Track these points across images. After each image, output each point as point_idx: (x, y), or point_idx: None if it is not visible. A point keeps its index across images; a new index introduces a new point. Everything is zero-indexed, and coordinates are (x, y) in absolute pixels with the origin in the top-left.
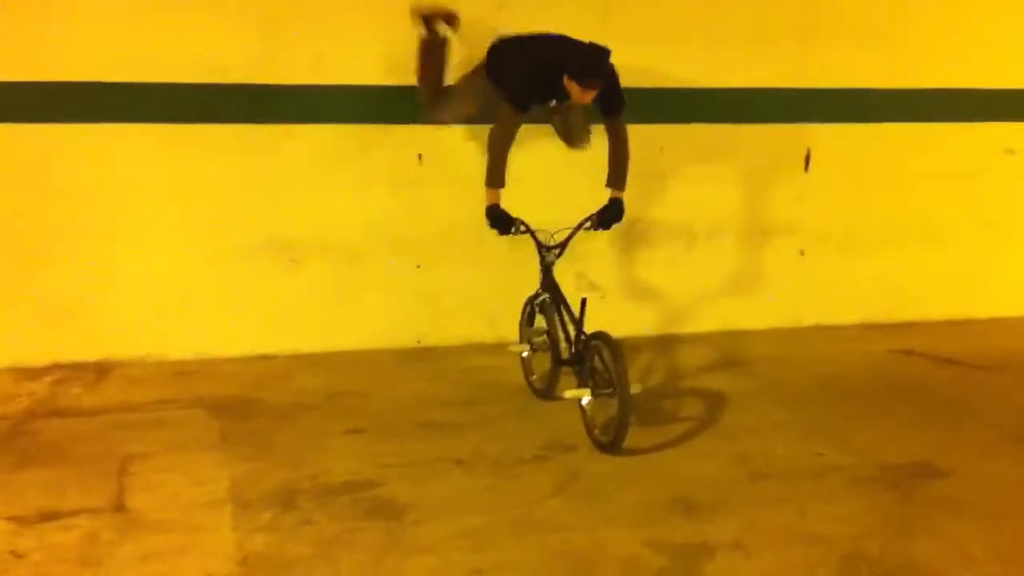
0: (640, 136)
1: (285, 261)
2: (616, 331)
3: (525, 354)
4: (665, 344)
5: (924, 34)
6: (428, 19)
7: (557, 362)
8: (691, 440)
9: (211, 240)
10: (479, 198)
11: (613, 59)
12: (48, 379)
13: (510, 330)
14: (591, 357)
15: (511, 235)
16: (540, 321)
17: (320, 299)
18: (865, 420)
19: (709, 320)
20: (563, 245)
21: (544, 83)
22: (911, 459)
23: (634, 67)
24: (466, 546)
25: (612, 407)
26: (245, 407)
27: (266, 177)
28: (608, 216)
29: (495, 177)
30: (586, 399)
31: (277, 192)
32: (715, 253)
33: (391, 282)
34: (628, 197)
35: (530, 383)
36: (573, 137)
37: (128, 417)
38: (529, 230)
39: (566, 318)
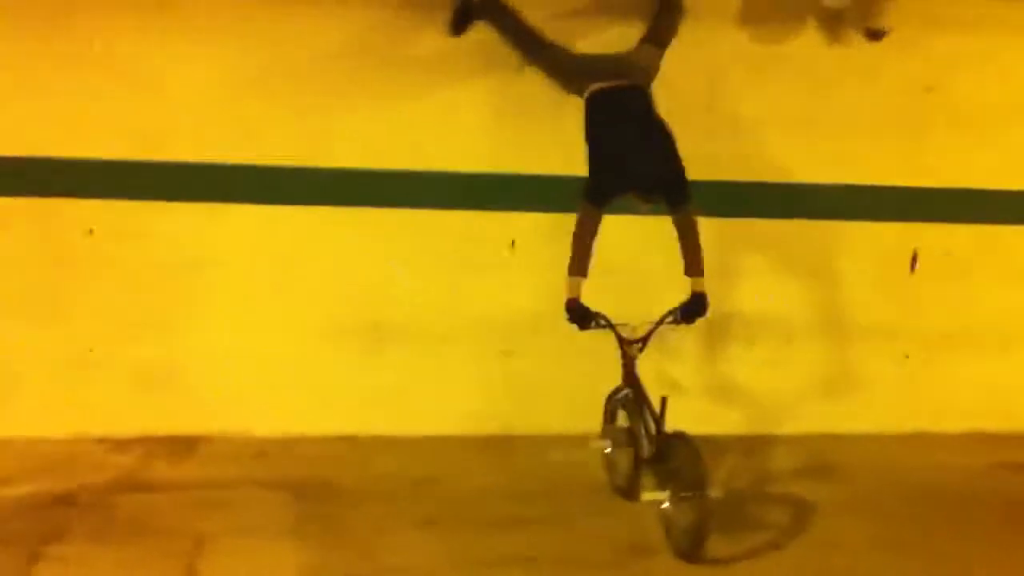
0: (740, 231)
1: (372, 343)
2: (701, 429)
3: (607, 450)
4: (753, 446)
5: None
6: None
7: (638, 461)
8: (776, 551)
9: (301, 320)
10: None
11: (713, 149)
12: (137, 451)
13: (593, 422)
14: (672, 457)
15: (591, 330)
16: (622, 418)
17: (405, 382)
18: (960, 538)
19: (803, 423)
20: (645, 340)
21: (616, 181)
22: None
23: (737, 158)
24: None
25: (694, 511)
26: (322, 491)
27: (357, 259)
28: (691, 310)
29: (577, 266)
30: (666, 502)
31: (367, 274)
32: (813, 353)
33: (476, 368)
34: (723, 292)
35: (612, 481)
36: None
37: (207, 495)
38: (610, 324)
39: (647, 415)
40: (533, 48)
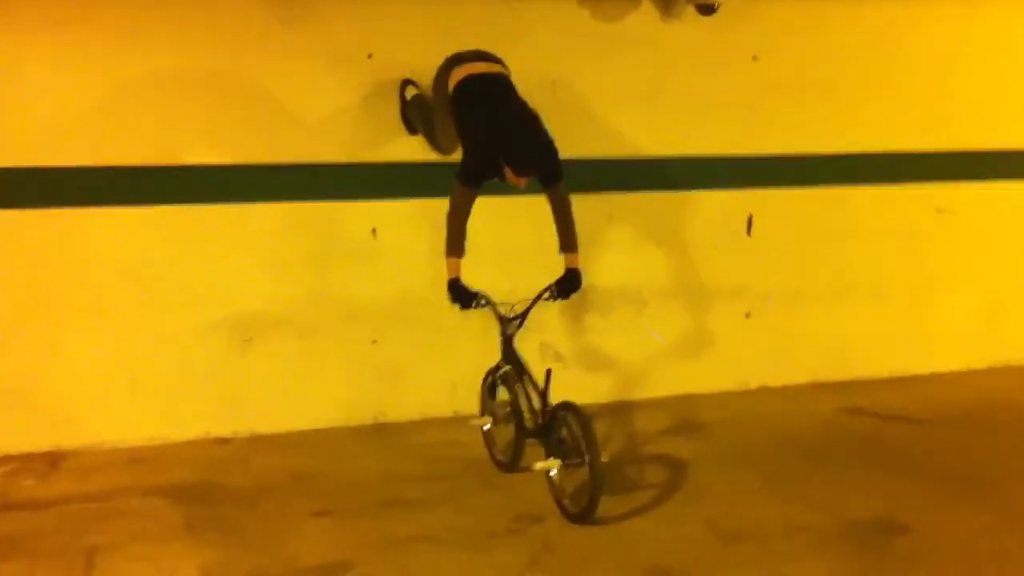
0: (589, 205)
1: (238, 341)
2: (572, 399)
3: (487, 427)
4: (620, 411)
5: (857, 98)
6: (405, 84)
7: (522, 434)
8: (658, 506)
9: (160, 321)
10: (434, 271)
11: (558, 128)
12: (1, 470)
13: (469, 403)
14: (558, 428)
15: (471, 308)
16: (503, 393)
17: (275, 378)
18: (824, 478)
19: (661, 385)
20: (523, 316)
21: (489, 162)
22: (874, 515)
23: (581, 136)
24: None
25: (579, 476)
26: (206, 493)
27: (216, 256)
28: (566, 286)
29: (454, 246)
30: (555, 470)
31: (227, 271)
32: (664, 318)
33: (347, 358)
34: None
35: (493, 456)
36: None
37: (86, 508)
38: (490, 303)
39: (529, 389)
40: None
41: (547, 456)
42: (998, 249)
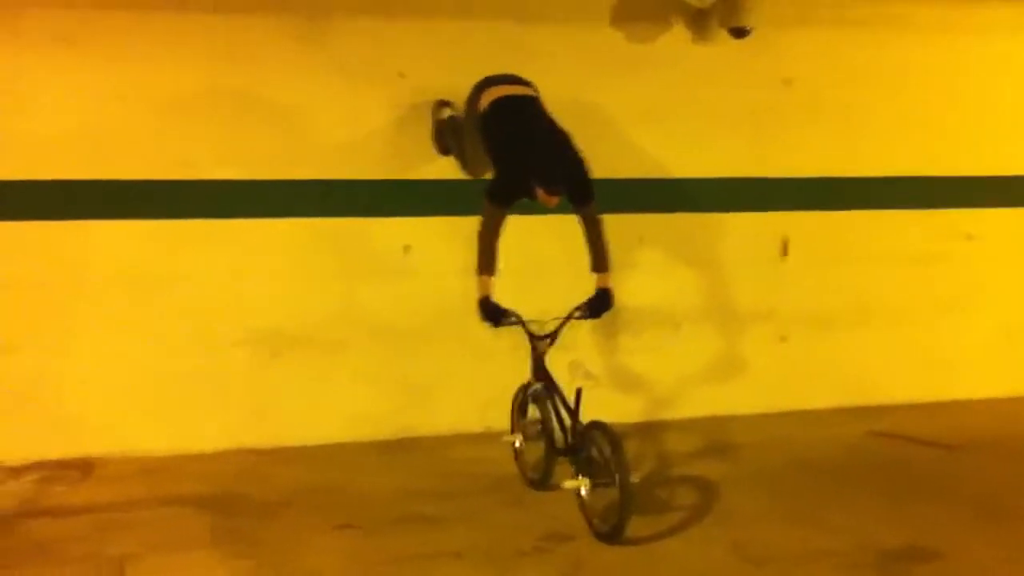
0: (619, 225)
1: (266, 354)
2: (602, 418)
3: (517, 444)
4: (650, 431)
5: (888, 123)
6: (438, 105)
7: (552, 452)
8: (686, 528)
9: (189, 333)
10: (466, 288)
11: (590, 148)
12: (31, 477)
13: (498, 420)
14: (588, 447)
15: (503, 326)
16: (532, 411)
17: (302, 392)
18: (850, 504)
19: (691, 406)
20: (554, 335)
21: (519, 182)
22: (900, 542)
23: (613, 157)
24: None
25: (609, 496)
26: (231, 504)
27: (247, 271)
28: (597, 305)
29: (485, 265)
30: (584, 489)
31: (257, 285)
32: (695, 340)
33: (376, 373)
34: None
35: (523, 473)
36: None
37: (116, 516)
38: (520, 321)
39: (560, 407)
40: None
41: (576, 475)
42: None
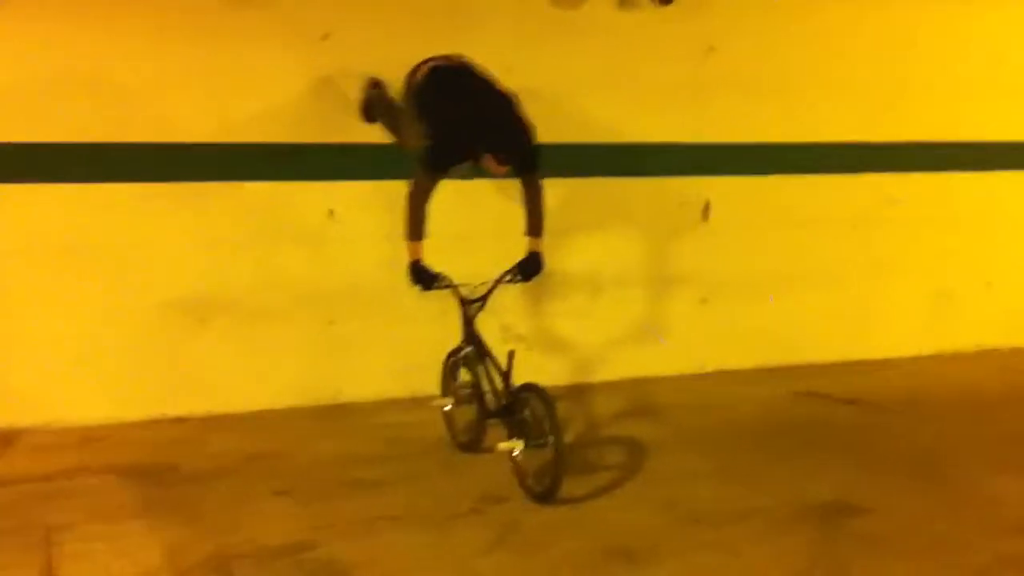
0: (547, 189)
1: (192, 321)
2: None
3: (448, 408)
4: (578, 394)
5: (812, 89)
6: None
7: (484, 415)
8: (618, 488)
9: (111, 300)
10: (392, 252)
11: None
12: None
13: (424, 385)
14: (521, 408)
15: (433, 290)
16: (464, 374)
17: (230, 358)
18: (778, 462)
19: (617, 368)
20: (484, 298)
21: (459, 150)
22: (827, 498)
23: (539, 122)
24: None
25: (541, 457)
26: (162, 473)
27: (170, 236)
28: (528, 268)
29: (415, 230)
30: (518, 451)
31: (183, 251)
32: (622, 303)
33: (303, 339)
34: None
35: (454, 437)
36: None
37: (42, 487)
38: (451, 285)
39: (491, 370)
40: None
41: (509, 437)
42: (947, 238)
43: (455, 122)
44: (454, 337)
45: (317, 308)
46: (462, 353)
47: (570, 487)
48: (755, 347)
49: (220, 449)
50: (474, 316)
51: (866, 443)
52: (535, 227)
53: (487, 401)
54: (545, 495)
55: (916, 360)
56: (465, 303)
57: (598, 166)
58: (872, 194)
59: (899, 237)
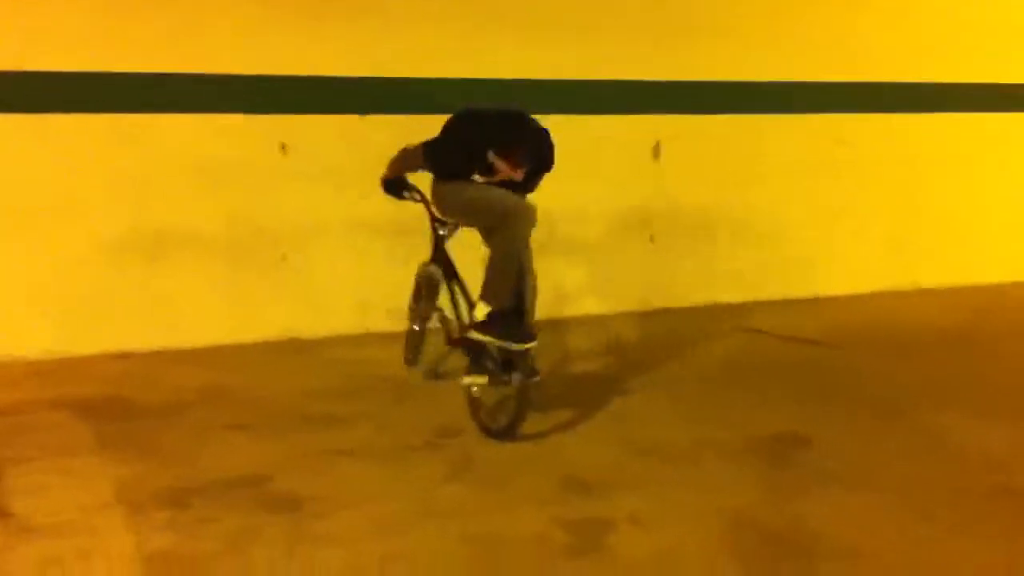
0: None
1: (149, 254)
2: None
3: (417, 327)
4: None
5: (761, 28)
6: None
7: (449, 342)
8: (573, 422)
9: (63, 234)
10: (347, 188)
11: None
12: None
13: (377, 321)
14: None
15: (404, 200)
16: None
17: (183, 293)
18: (728, 396)
19: (572, 306)
20: (456, 223)
21: (468, 158)
22: (779, 431)
23: (492, 56)
24: (374, 535)
25: (500, 393)
26: (115, 407)
27: (122, 168)
28: None
29: (395, 167)
30: (476, 387)
31: (135, 184)
32: (574, 241)
33: (257, 275)
34: None
35: (411, 360)
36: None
37: None
38: (424, 200)
39: (458, 296)
40: None
41: (472, 370)
42: (896, 178)
43: (464, 135)
44: (409, 274)
45: (270, 243)
46: (428, 272)
47: (530, 425)
48: (703, 284)
49: (174, 383)
50: (444, 236)
51: (815, 379)
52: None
53: (451, 328)
54: (504, 431)
55: (863, 298)
56: (436, 221)
57: (549, 104)
58: (820, 134)
59: (848, 178)
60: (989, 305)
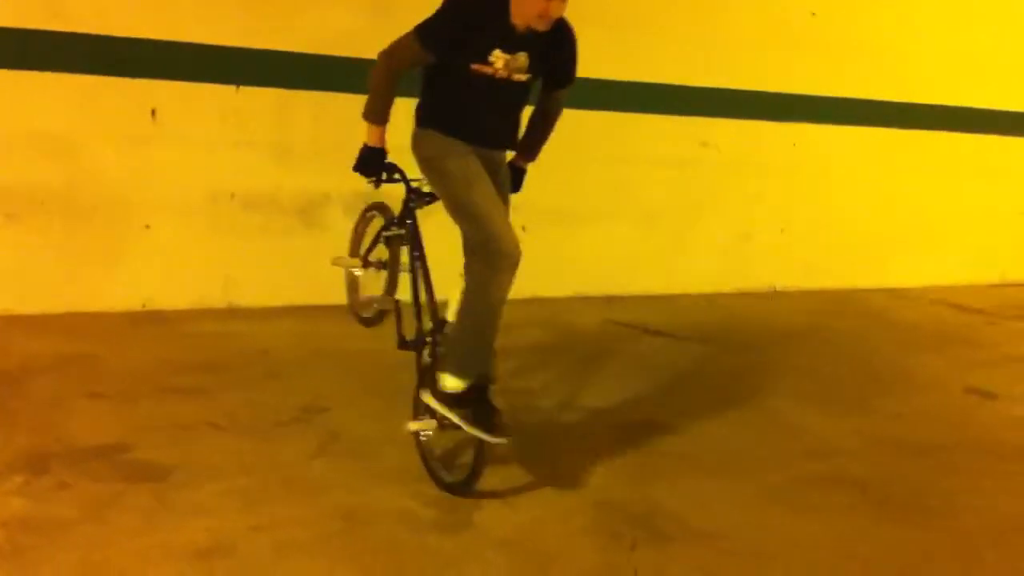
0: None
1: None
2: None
3: (358, 272)
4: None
5: (630, 29)
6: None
7: (399, 342)
8: None
9: None
10: (218, 159)
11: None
12: None
13: (241, 296)
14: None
15: (383, 183)
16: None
17: (40, 258)
18: (591, 383)
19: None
20: (433, 196)
21: (474, 22)
22: (637, 418)
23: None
24: (239, 506)
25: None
26: None
27: None
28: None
29: (376, 112)
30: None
31: None
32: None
33: (116, 243)
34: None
35: (353, 309)
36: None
37: None
38: (404, 179)
39: (419, 279)
40: None
41: (419, 386)
42: (749, 183)
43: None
44: (277, 250)
45: (133, 211)
46: (391, 229)
47: (397, 405)
48: (570, 276)
49: (30, 350)
50: (415, 206)
51: (673, 370)
52: (532, 149)
53: (401, 325)
54: (456, 488)
55: (718, 297)
56: (412, 190)
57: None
58: (687, 136)
59: (708, 179)
60: (836, 309)
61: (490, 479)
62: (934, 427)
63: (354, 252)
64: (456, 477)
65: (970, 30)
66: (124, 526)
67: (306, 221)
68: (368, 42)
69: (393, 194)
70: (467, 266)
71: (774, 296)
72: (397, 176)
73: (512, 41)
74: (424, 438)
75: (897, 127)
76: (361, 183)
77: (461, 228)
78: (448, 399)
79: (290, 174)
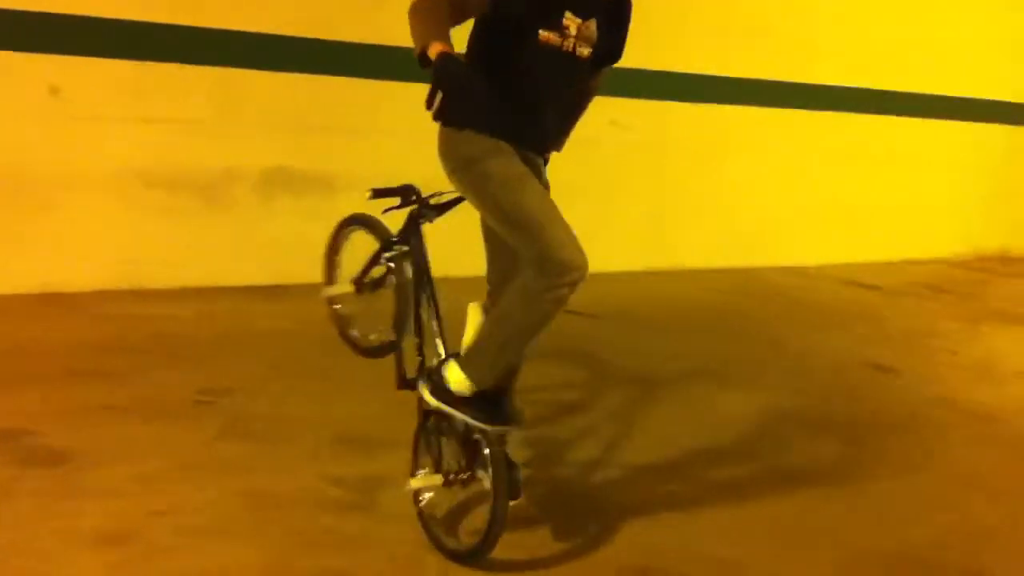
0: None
1: None
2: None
3: (335, 300)
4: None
5: None
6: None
7: (400, 380)
8: (341, 385)
9: None
10: (120, 136)
11: None
12: None
13: (147, 277)
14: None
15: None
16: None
17: None
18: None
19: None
20: (447, 206)
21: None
22: (540, 398)
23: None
24: (142, 490)
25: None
26: None
27: None
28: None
29: (431, 31)
30: (428, 494)
31: None
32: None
33: (14, 222)
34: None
35: (349, 338)
36: None
37: None
38: (417, 192)
39: (426, 306)
40: None
41: (420, 428)
42: (661, 163)
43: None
44: (183, 230)
45: (31, 191)
46: (391, 248)
47: (302, 387)
48: (480, 256)
49: None
50: (421, 218)
51: (588, 349)
52: (561, 137)
53: (404, 363)
54: (466, 556)
55: (633, 275)
56: (424, 204)
57: (346, 67)
58: (598, 115)
59: (620, 159)
60: (742, 287)
61: (391, 458)
62: (836, 402)
63: (330, 278)
64: (466, 544)
65: (876, 12)
66: (21, 512)
67: (209, 200)
68: (272, 16)
69: (371, 207)
70: (522, 273)
71: (685, 275)
72: (414, 198)
73: (582, 3)
74: (423, 500)
75: (799, 108)
76: (265, 159)
77: (512, 241)
78: (449, 395)
79: (193, 152)
